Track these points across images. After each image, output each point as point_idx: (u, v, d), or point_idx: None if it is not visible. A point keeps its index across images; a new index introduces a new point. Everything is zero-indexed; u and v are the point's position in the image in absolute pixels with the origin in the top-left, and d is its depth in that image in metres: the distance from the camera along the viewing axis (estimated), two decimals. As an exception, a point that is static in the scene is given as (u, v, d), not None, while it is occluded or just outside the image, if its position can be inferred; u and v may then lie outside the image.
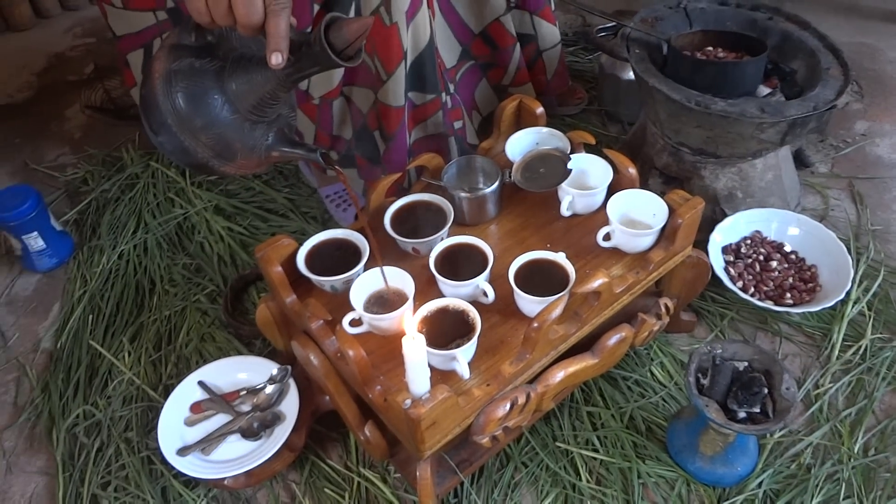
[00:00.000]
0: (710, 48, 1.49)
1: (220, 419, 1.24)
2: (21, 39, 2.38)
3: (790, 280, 1.41)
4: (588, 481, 1.21)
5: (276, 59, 0.88)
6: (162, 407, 1.24)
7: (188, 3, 0.89)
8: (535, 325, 1.02)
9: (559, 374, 1.09)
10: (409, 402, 0.95)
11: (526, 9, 1.68)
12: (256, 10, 0.86)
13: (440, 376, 1.03)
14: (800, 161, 1.72)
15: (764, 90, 1.43)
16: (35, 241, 1.57)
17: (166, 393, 1.29)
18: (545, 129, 1.32)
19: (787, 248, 1.47)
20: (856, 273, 1.45)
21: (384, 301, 1.10)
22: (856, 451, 1.23)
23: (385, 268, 1.10)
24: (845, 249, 1.41)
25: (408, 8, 1.29)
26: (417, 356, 0.91)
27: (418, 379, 0.94)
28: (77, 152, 1.93)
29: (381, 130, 1.45)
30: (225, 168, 0.98)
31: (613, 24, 1.81)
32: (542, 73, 1.79)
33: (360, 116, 1.46)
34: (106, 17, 1.48)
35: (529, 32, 1.71)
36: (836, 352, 1.37)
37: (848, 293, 1.40)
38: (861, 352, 1.36)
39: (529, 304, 1.08)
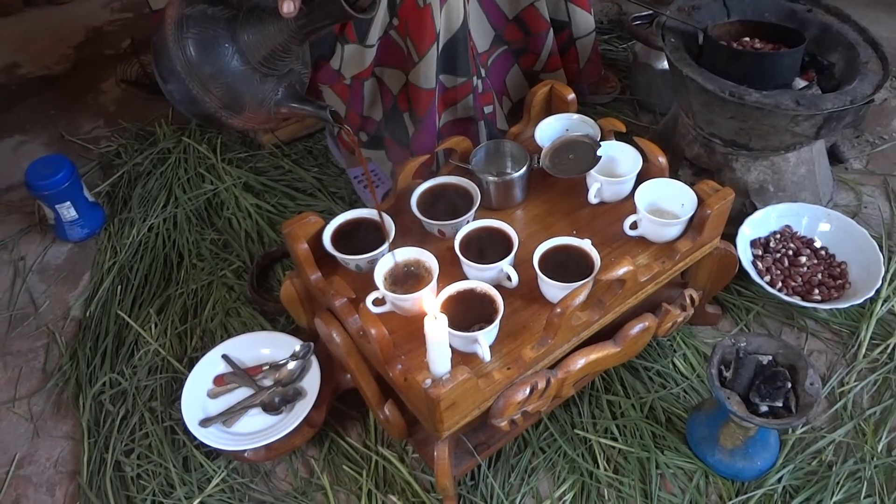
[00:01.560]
0: (747, 39, 1.47)
1: (243, 392, 1.26)
2: (61, 13, 2.41)
3: (819, 276, 1.39)
4: (606, 469, 1.21)
5: (288, 8, 0.88)
6: (186, 378, 1.26)
7: None
8: (558, 310, 1.01)
9: (580, 361, 1.09)
10: (429, 381, 0.95)
11: None
12: None
13: (461, 358, 1.03)
14: (834, 156, 1.70)
15: (800, 83, 1.40)
16: (68, 211, 1.60)
17: (191, 365, 1.31)
18: (575, 116, 1.31)
19: (818, 244, 1.45)
20: (887, 271, 1.42)
21: (410, 279, 1.10)
22: (879, 450, 1.22)
23: (405, 249, 1.10)
24: (877, 247, 1.39)
25: None
26: (439, 336, 0.92)
27: (439, 359, 0.95)
28: (111, 125, 1.96)
29: (410, 112, 1.45)
30: (232, 120, 0.98)
31: (649, 12, 1.79)
32: (575, 60, 1.77)
33: (390, 98, 1.46)
34: None
35: (564, 19, 1.70)
36: (864, 350, 1.35)
37: (878, 291, 1.38)
38: (889, 351, 1.35)
39: (553, 289, 1.08)
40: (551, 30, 1.64)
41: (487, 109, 1.56)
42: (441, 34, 1.35)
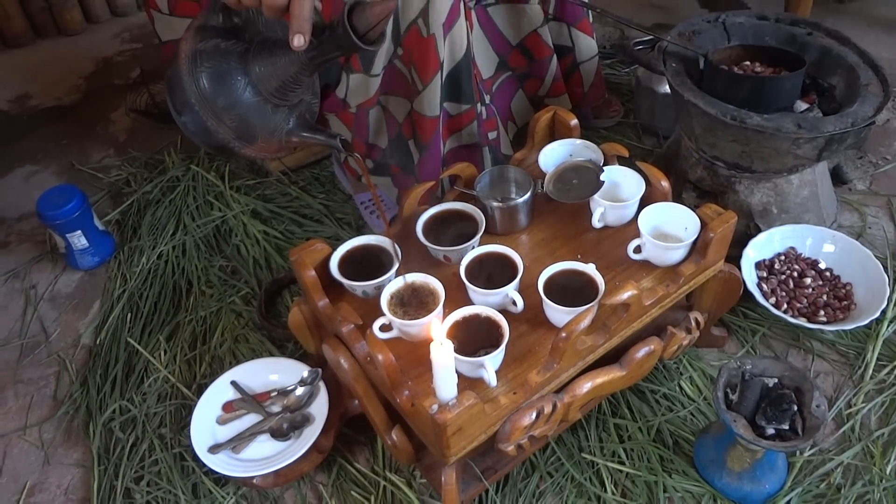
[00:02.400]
0: (748, 63, 1.49)
1: (251, 419, 1.27)
2: (71, 44, 2.44)
3: (824, 297, 1.40)
4: (613, 493, 1.21)
5: (299, 41, 0.90)
6: (195, 405, 1.27)
7: None
8: (563, 335, 1.02)
9: (586, 385, 1.10)
10: (435, 407, 0.96)
11: (564, 20, 1.69)
12: None
13: (467, 383, 1.04)
14: (837, 178, 1.71)
15: (802, 105, 1.42)
16: (79, 240, 1.62)
17: (200, 391, 1.32)
18: (579, 141, 1.32)
19: (822, 266, 1.45)
20: (892, 292, 1.43)
21: (416, 305, 1.11)
22: (888, 472, 1.21)
23: (411, 275, 1.12)
24: (881, 268, 1.39)
25: (445, 20, 1.31)
26: (445, 362, 0.92)
27: (445, 385, 0.95)
28: (121, 154, 1.98)
29: (415, 139, 1.47)
30: (245, 150, 1.00)
31: (651, 37, 1.81)
32: (579, 84, 1.79)
33: (395, 125, 1.48)
34: (153, 22, 1.52)
35: (567, 44, 1.72)
36: (870, 371, 1.35)
37: (883, 312, 1.38)
38: (896, 372, 1.35)
39: (558, 314, 1.08)
40: (555, 56, 1.66)
41: (492, 135, 1.58)
42: (445, 63, 1.37)
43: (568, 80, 1.77)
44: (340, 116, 1.47)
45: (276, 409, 1.28)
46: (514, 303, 1.11)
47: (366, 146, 1.52)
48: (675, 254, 1.17)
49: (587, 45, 1.74)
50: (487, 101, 1.55)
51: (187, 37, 0.95)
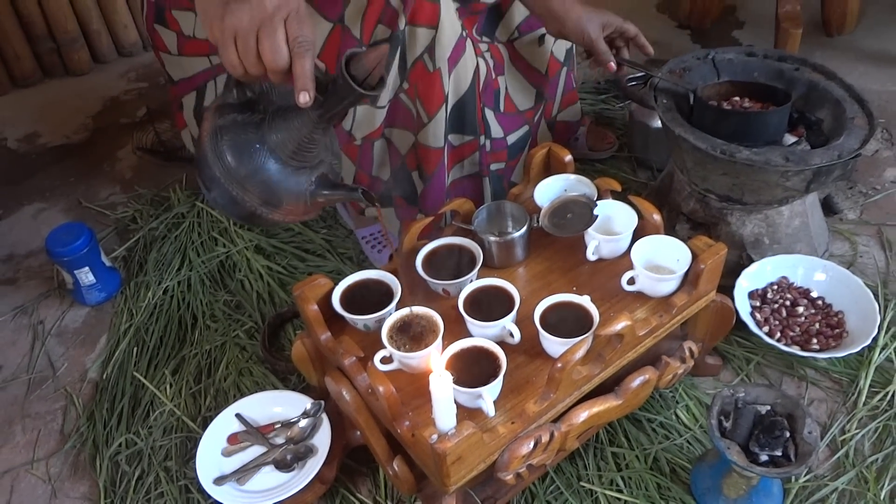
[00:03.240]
0: (737, 98, 1.53)
1: (256, 451, 1.29)
2: (79, 83, 2.50)
3: (816, 325, 1.43)
4: (612, 521, 1.23)
5: (304, 98, 0.94)
6: (200, 437, 1.30)
7: (223, 59, 0.96)
8: (559, 365, 1.05)
9: (583, 414, 1.12)
10: (435, 437, 0.99)
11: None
12: (282, 55, 0.92)
13: (466, 413, 1.06)
14: (828, 208, 1.74)
15: (790, 139, 1.46)
16: (86, 276, 1.65)
17: (205, 424, 1.35)
18: (573, 176, 1.36)
19: (814, 294, 1.48)
20: (883, 319, 1.45)
21: (416, 337, 1.14)
22: (882, 497, 1.23)
23: (413, 308, 1.15)
24: (872, 296, 1.42)
25: (450, 55, 1.36)
26: (444, 393, 0.95)
27: (445, 415, 0.98)
28: (127, 191, 2.02)
29: (419, 170, 1.51)
30: (273, 215, 1.04)
31: (643, 73, 1.86)
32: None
33: (398, 157, 1.52)
34: (163, 64, 1.56)
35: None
36: (864, 398, 1.37)
37: (875, 339, 1.41)
38: (889, 398, 1.37)
39: (554, 345, 1.11)
40: (564, 68, 1.71)
41: (495, 167, 1.62)
42: (450, 97, 1.42)
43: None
44: (345, 149, 1.51)
45: (279, 440, 1.30)
46: (512, 334, 1.14)
47: (369, 178, 1.56)
48: (668, 285, 1.20)
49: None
50: (492, 136, 1.59)
51: (208, 117, 1.01)
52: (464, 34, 1.39)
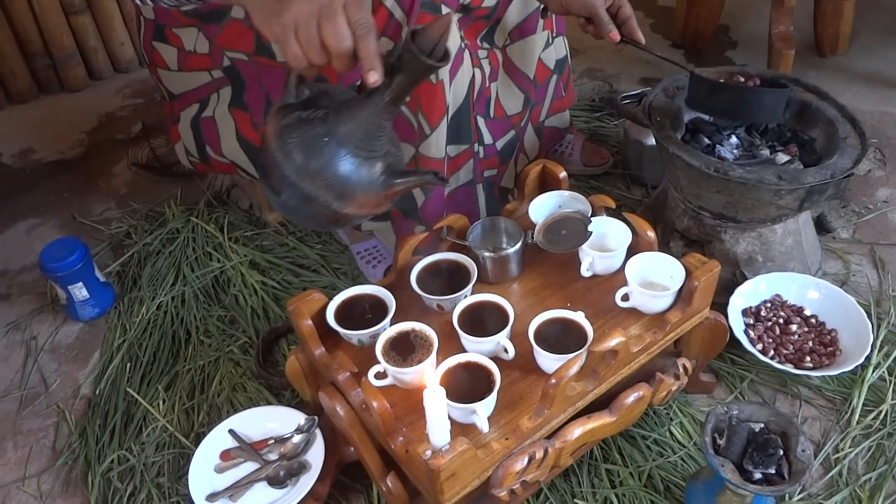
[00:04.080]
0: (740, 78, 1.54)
1: (249, 467, 1.28)
2: (74, 99, 2.50)
3: (810, 344, 1.43)
4: (606, 539, 1.23)
5: (374, 77, 0.94)
6: (193, 454, 1.29)
7: (285, 54, 0.97)
8: (553, 381, 1.05)
9: (577, 431, 1.12)
10: (429, 452, 0.98)
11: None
12: (346, 38, 0.93)
13: (460, 429, 1.06)
14: (821, 227, 1.75)
15: (783, 157, 1.47)
16: (80, 292, 1.65)
17: (198, 440, 1.34)
18: (567, 193, 1.37)
19: (807, 312, 1.49)
20: (876, 338, 1.46)
21: (410, 353, 1.14)
22: (875, 516, 1.23)
23: (406, 324, 1.16)
24: (865, 315, 1.43)
25: (451, 66, 1.37)
26: (438, 409, 0.95)
27: (439, 431, 0.98)
28: (122, 207, 2.03)
29: None
30: (347, 209, 1.03)
31: (638, 91, 1.88)
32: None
33: None
34: (160, 80, 1.57)
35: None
36: (857, 416, 1.37)
37: (868, 358, 1.41)
38: (882, 417, 1.37)
39: (548, 360, 1.12)
40: (554, 76, 1.73)
41: (488, 173, 1.62)
42: (450, 107, 1.43)
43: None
44: None
45: (273, 456, 1.29)
46: (506, 350, 1.14)
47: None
48: (662, 302, 1.21)
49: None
50: (484, 142, 1.59)
51: (270, 120, 1.01)
52: (462, 45, 1.40)
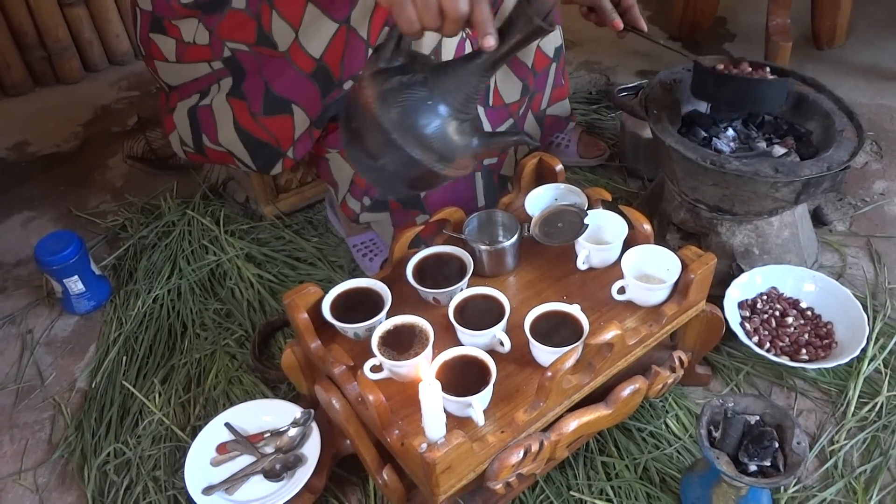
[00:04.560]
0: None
1: (245, 460, 1.29)
2: (70, 92, 2.50)
3: (806, 336, 1.43)
4: (602, 531, 1.23)
5: (490, 42, 0.96)
6: (189, 447, 1.29)
7: (398, 18, 0.97)
8: (549, 374, 1.05)
9: (573, 423, 1.12)
10: (425, 446, 0.98)
11: None
12: (464, 3, 0.94)
13: (456, 422, 1.06)
14: (818, 219, 1.75)
15: (779, 150, 1.47)
16: (75, 285, 1.64)
17: (194, 434, 1.34)
18: (564, 186, 1.37)
19: (803, 305, 1.49)
20: (871, 331, 1.46)
21: (406, 346, 1.14)
22: (870, 508, 1.24)
23: (402, 317, 1.16)
24: (860, 307, 1.43)
25: (454, 55, 1.36)
26: (433, 402, 0.95)
27: (434, 424, 0.98)
28: (118, 200, 2.02)
29: None
30: (447, 170, 1.04)
31: (635, 84, 1.87)
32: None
33: None
34: (157, 72, 1.56)
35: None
36: (852, 408, 1.38)
37: (863, 350, 1.41)
38: (877, 409, 1.37)
39: (544, 353, 1.11)
40: (554, 64, 1.72)
41: (488, 161, 1.62)
42: None
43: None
44: (342, 153, 1.50)
45: (269, 449, 1.29)
46: (502, 343, 1.14)
47: (366, 182, 1.56)
48: (658, 294, 1.21)
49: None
50: (489, 130, 1.58)
51: (364, 85, 1.02)
52: (464, 34, 1.40)
